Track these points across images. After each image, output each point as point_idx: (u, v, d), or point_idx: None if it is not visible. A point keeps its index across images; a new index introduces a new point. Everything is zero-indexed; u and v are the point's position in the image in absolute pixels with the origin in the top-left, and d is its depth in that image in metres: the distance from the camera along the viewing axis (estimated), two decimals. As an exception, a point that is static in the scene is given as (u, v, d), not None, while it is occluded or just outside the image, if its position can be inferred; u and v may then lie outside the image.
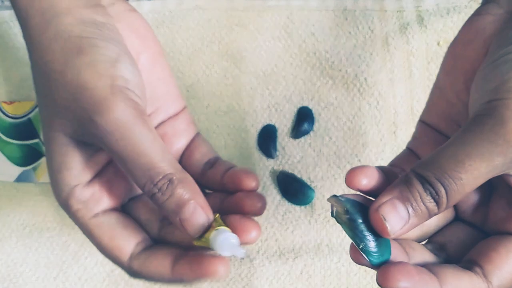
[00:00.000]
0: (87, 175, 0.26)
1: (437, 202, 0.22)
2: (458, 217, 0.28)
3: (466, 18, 0.45)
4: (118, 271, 0.42)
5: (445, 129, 0.28)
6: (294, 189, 0.42)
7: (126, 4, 0.31)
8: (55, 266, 0.42)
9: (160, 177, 0.24)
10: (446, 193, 0.22)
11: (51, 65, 0.25)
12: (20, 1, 0.26)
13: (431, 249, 0.26)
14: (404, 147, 0.44)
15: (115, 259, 0.27)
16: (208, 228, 0.25)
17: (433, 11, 0.46)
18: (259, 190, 0.43)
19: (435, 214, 0.23)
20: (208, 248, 0.25)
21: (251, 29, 0.46)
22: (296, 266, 0.42)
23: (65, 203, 0.26)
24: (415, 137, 0.30)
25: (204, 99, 0.45)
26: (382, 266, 0.22)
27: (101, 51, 0.25)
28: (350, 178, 0.25)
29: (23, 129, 0.45)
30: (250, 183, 0.28)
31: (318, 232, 0.42)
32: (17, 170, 0.44)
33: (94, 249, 0.42)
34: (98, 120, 0.24)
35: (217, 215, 0.26)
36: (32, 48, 0.26)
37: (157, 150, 0.25)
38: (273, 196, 0.43)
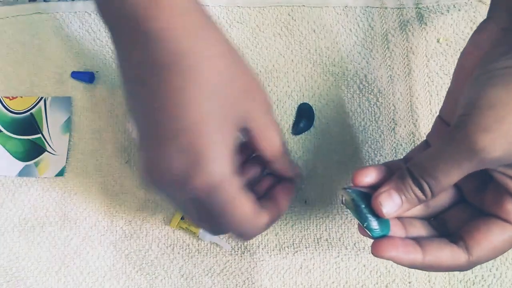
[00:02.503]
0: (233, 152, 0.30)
1: (424, 193, 0.28)
2: (463, 198, 0.33)
3: (466, 16, 0.46)
4: (120, 265, 0.42)
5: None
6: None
7: None
8: (57, 260, 0.43)
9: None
10: (429, 186, 0.28)
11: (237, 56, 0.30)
12: None
13: (434, 225, 0.32)
14: (402, 144, 0.44)
15: (250, 222, 0.31)
16: None
17: (433, 9, 0.46)
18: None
19: (424, 201, 0.29)
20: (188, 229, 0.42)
21: (252, 25, 0.47)
22: (296, 260, 0.42)
23: (229, 175, 0.29)
24: (431, 129, 0.35)
25: (205, 95, 0.45)
26: (374, 241, 0.29)
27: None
28: (355, 177, 0.31)
29: (25, 124, 0.45)
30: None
31: (317, 227, 0.43)
32: (19, 165, 0.44)
33: (95, 243, 0.43)
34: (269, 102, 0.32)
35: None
36: (204, 36, 0.29)
37: None
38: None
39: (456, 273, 0.42)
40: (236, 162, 0.30)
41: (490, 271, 0.42)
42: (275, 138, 0.32)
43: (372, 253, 0.29)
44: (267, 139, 0.32)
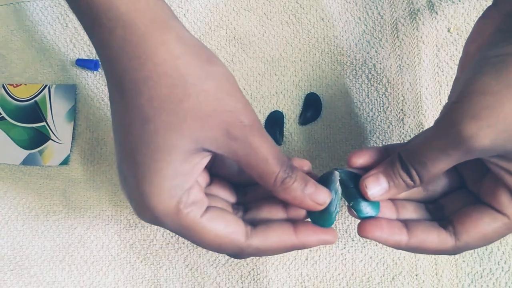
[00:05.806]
0: (193, 180, 0.28)
1: (412, 179, 0.29)
2: (464, 185, 0.33)
3: (477, 5, 0.45)
4: (124, 254, 0.42)
5: None
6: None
7: None
8: (61, 249, 0.42)
9: (286, 164, 0.29)
10: (417, 173, 0.28)
11: (187, 69, 0.26)
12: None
13: (431, 209, 0.32)
14: (411, 134, 0.44)
15: (232, 244, 0.28)
16: None
17: (444, -3, 0.45)
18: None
19: (413, 187, 0.29)
20: None
21: (260, 13, 0.46)
22: (301, 252, 0.42)
23: (174, 209, 0.27)
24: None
25: (211, 84, 0.45)
26: (360, 221, 0.30)
27: (221, 62, 0.28)
28: (349, 158, 0.31)
29: (30, 112, 0.44)
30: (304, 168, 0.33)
31: (324, 218, 0.42)
32: (23, 153, 0.44)
33: (100, 232, 0.42)
34: (245, 120, 0.27)
35: None
36: (147, 45, 0.26)
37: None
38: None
39: (464, 266, 0.41)
40: (200, 186, 0.29)
41: (498, 264, 0.41)
42: (266, 163, 0.28)
43: (358, 233, 0.30)
44: (256, 165, 0.28)
